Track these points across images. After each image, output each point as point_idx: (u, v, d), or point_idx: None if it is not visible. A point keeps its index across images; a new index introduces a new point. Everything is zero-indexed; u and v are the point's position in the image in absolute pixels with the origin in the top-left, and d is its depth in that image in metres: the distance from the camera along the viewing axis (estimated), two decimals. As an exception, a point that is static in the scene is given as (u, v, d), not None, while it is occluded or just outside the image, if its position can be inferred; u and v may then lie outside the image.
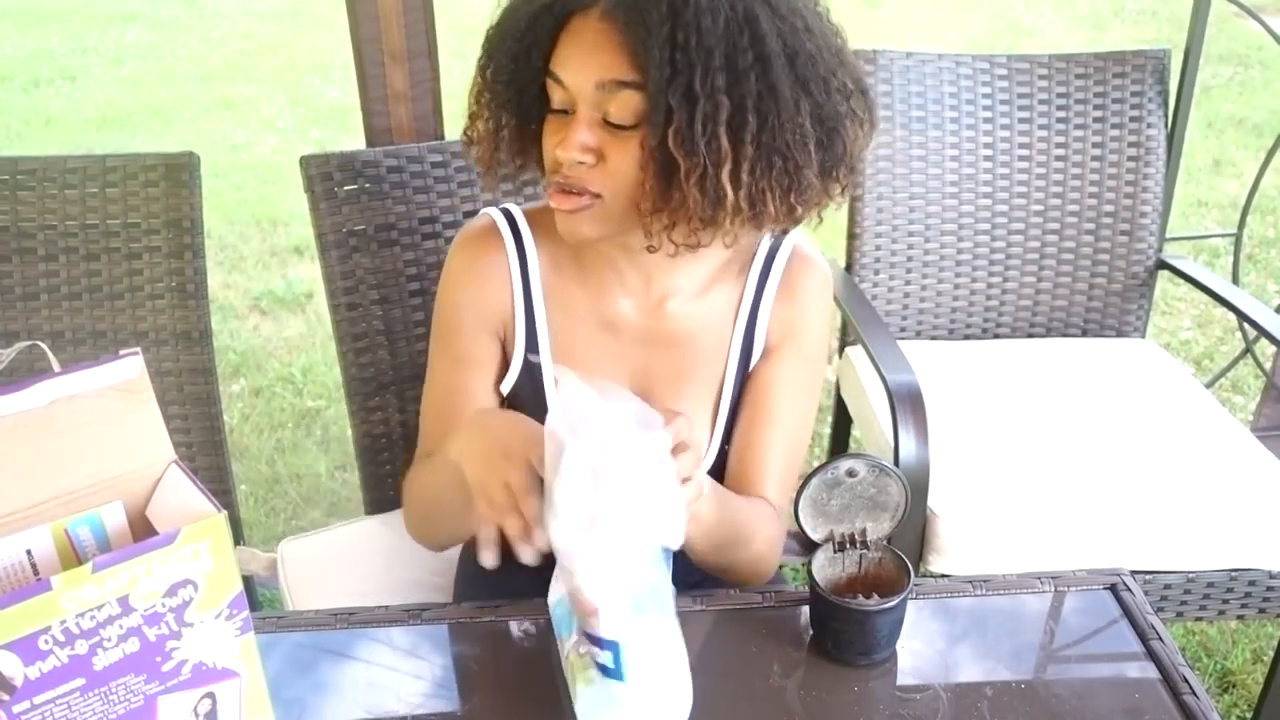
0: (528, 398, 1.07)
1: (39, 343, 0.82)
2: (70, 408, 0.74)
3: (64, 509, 0.76)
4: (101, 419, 0.76)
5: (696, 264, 1.03)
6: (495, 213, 1.07)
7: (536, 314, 1.06)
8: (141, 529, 0.79)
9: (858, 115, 0.93)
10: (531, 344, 1.06)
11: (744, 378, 1.08)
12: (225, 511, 0.73)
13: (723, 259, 1.05)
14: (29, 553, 0.76)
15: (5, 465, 0.73)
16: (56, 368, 0.76)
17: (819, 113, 0.90)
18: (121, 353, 0.76)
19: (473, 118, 1.00)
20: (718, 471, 1.08)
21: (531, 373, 1.07)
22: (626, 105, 0.89)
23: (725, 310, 1.07)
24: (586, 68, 0.89)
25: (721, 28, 0.85)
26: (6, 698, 0.68)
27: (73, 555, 0.78)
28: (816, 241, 1.11)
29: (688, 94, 0.86)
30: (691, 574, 1.21)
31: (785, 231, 1.04)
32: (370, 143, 1.52)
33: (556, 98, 0.93)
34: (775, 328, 1.07)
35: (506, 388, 1.08)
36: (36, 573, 0.77)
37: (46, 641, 0.68)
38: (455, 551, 1.28)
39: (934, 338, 1.98)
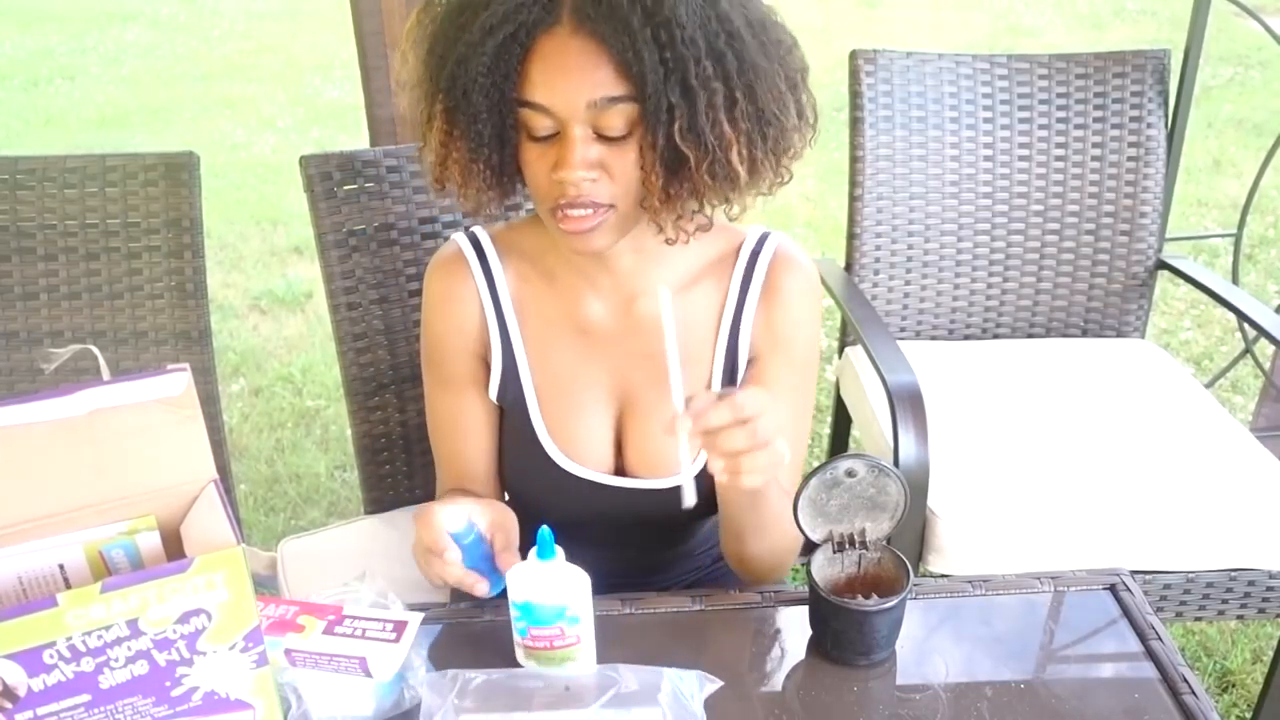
0: (512, 402, 1.08)
1: (91, 347, 0.81)
2: (111, 418, 0.73)
3: (98, 517, 0.74)
4: (142, 431, 0.74)
5: (670, 262, 1.03)
6: (460, 238, 1.09)
7: (510, 327, 1.06)
8: (175, 544, 0.77)
9: (804, 65, 0.95)
10: (508, 355, 1.06)
11: (730, 384, 1.06)
12: (245, 544, 0.71)
13: (702, 260, 1.05)
14: (61, 567, 0.75)
15: (41, 470, 0.73)
16: (106, 374, 0.74)
17: (787, 73, 0.92)
18: (169, 367, 0.75)
19: (441, 161, 0.96)
20: (706, 477, 1.08)
21: (511, 380, 1.07)
22: (620, 116, 0.88)
23: (706, 313, 1.05)
24: (576, 90, 0.87)
25: (696, 15, 0.86)
26: (9, 706, 0.68)
27: (106, 574, 0.76)
28: (816, 241, 1.11)
29: (685, 90, 0.86)
30: (690, 574, 1.21)
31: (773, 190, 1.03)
32: (372, 134, 1.52)
33: (538, 124, 0.90)
34: (760, 333, 1.05)
35: (494, 395, 1.09)
36: (70, 589, 0.75)
37: (51, 656, 0.67)
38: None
39: (934, 338, 1.98)
